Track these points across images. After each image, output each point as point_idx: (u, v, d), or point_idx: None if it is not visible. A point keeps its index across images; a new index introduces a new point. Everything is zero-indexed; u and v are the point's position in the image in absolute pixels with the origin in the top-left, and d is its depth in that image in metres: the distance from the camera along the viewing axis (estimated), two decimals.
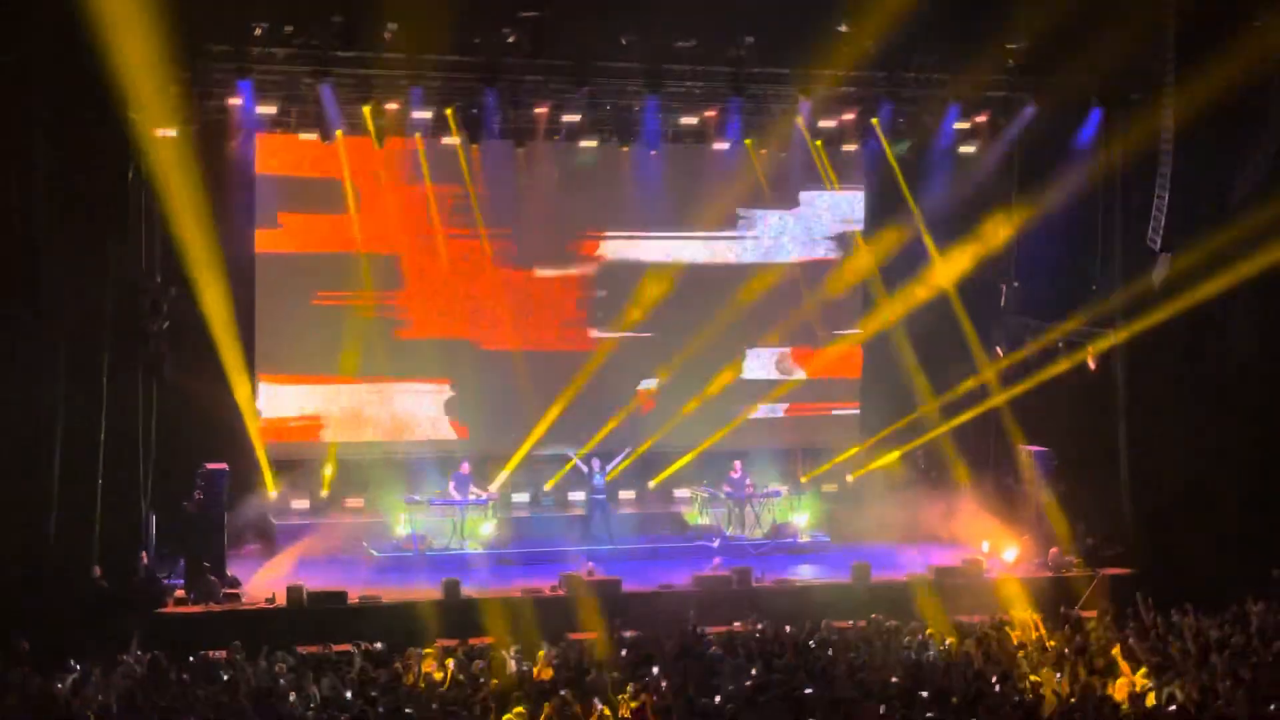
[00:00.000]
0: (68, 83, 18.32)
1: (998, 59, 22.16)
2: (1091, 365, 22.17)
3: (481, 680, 14.94)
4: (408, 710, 13.34)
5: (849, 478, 24.06)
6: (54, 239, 18.66)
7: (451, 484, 22.32)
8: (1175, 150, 20.65)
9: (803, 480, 23.99)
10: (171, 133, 19.95)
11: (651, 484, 23.90)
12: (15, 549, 18.34)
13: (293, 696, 14.27)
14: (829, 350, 24.83)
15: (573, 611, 18.91)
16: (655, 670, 15.00)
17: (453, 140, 22.18)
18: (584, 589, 19.53)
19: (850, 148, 23.70)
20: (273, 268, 22.58)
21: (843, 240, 24.79)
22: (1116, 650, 16.11)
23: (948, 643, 17.01)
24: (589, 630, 17.90)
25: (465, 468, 22.54)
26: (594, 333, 23.94)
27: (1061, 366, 22.56)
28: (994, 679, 14.97)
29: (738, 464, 23.43)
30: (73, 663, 15.77)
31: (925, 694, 14.16)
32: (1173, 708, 14.15)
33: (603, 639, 16.91)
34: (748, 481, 23.35)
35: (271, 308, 22.55)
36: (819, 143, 23.21)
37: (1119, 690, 14.80)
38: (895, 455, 23.80)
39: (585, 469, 22.86)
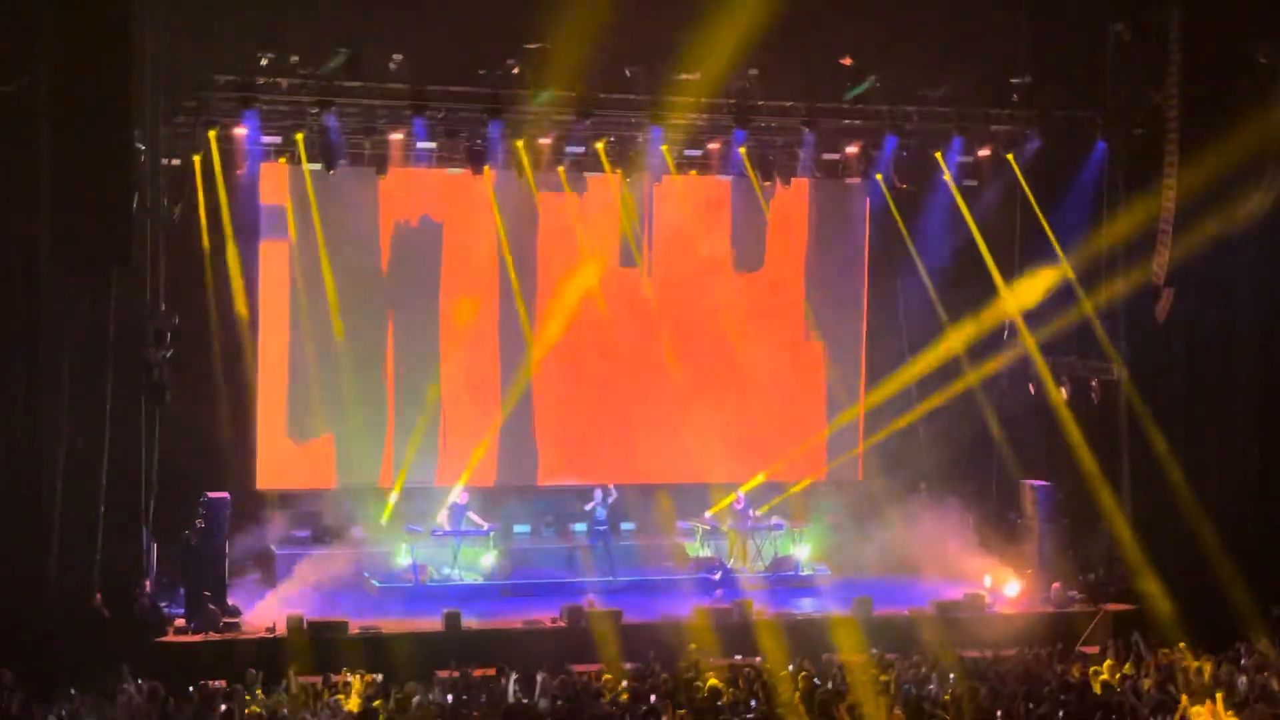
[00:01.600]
0: (73, 112, 18.34)
1: (1002, 92, 22.22)
2: (1094, 398, 22.13)
3: (482, 712, 14.88)
4: None
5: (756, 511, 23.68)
6: (58, 267, 18.68)
7: (446, 513, 22.26)
8: (1179, 183, 20.67)
9: (806, 513, 23.87)
10: (176, 162, 20.00)
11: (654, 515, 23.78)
12: (17, 577, 18.32)
13: None
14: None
15: (574, 643, 18.88)
16: (653, 701, 14.94)
17: (457, 170, 22.21)
18: (586, 620, 19.49)
19: (853, 180, 23.75)
20: (273, 297, 22.59)
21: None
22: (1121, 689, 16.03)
23: (950, 678, 16.92)
24: (590, 662, 17.84)
25: (463, 497, 22.51)
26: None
27: (1064, 400, 22.52)
28: (999, 715, 14.90)
29: (740, 495, 23.41)
30: (72, 690, 15.71)
31: None
32: None
33: (605, 670, 16.84)
34: (751, 513, 23.31)
35: (271, 336, 22.56)
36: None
37: None
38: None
39: (589, 505, 22.76)
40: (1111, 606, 21.19)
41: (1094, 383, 22.17)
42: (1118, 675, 16.65)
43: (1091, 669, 17.21)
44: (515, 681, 16.02)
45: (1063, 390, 22.61)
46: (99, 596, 18.85)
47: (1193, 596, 20.59)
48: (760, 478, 23.72)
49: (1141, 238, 21.53)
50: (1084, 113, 22.30)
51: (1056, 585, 21.76)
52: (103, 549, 19.03)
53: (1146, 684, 16.29)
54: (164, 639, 18.93)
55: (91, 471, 18.94)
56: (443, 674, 16.76)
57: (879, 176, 23.43)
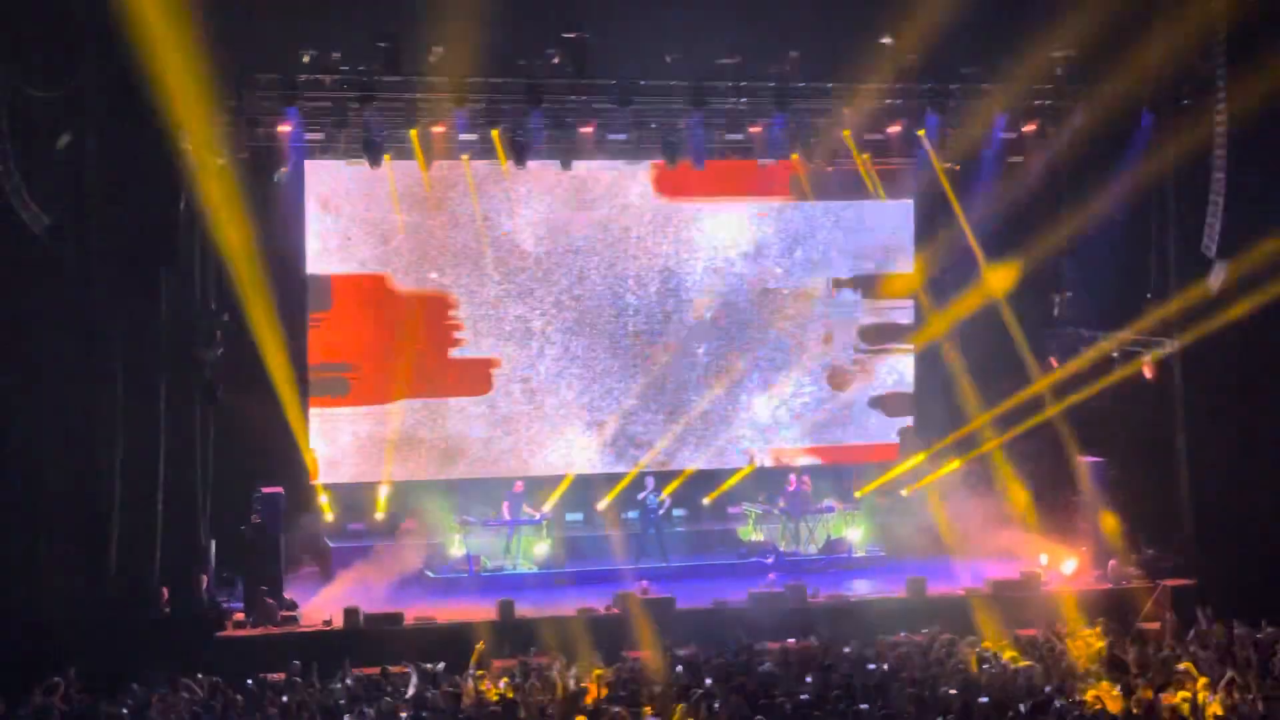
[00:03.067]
0: (118, 114, 18.58)
1: (1044, 67, 21.99)
2: (1149, 374, 21.92)
3: (536, 699, 14.95)
4: None
5: (904, 492, 23.90)
6: (107, 269, 18.91)
7: (505, 504, 22.38)
8: (1228, 154, 20.41)
9: (857, 495, 23.84)
10: (221, 161, 20.15)
11: (705, 500, 23.86)
12: (78, 576, 18.57)
13: (348, 718, 14.32)
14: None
15: (627, 630, 18.93)
16: (708, 684, 14.96)
17: (499, 162, 22.28)
18: (638, 607, 19.53)
19: (896, 160, 23.61)
20: (321, 291, 22.76)
21: (891, 253, 24.70)
22: (1179, 662, 15.90)
23: (1005, 656, 16.85)
24: (644, 649, 17.87)
25: (519, 487, 22.62)
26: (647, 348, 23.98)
27: (1118, 376, 22.33)
28: (1052, 692, 14.83)
29: (793, 476, 23.37)
30: (135, 686, 15.90)
31: (983, 705, 14.03)
32: None
33: (656, 657, 16.87)
34: (806, 491, 23.24)
35: (323, 330, 22.73)
36: (866, 156, 23.12)
37: (1180, 703, 14.59)
38: (952, 466, 23.57)
39: (640, 495, 22.82)
40: (1170, 582, 20.99)
41: (1148, 357, 21.95)
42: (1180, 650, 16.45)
43: (1152, 645, 17.10)
44: (568, 669, 16.10)
45: (1117, 366, 22.41)
46: (165, 592, 19.05)
47: (1252, 570, 20.38)
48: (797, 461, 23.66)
49: (1193, 209, 21.27)
50: (1129, 85, 22.02)
51: (1113, 562, 21.59)
52: (161, 546, 19.26)
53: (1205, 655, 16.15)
54: (223, 633, 19.13)
55: (148, 470, 19.19)
56: (499, 663, 16.86)
57: (927, 151, 23.21)
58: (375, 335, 23.04)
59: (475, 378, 23.42)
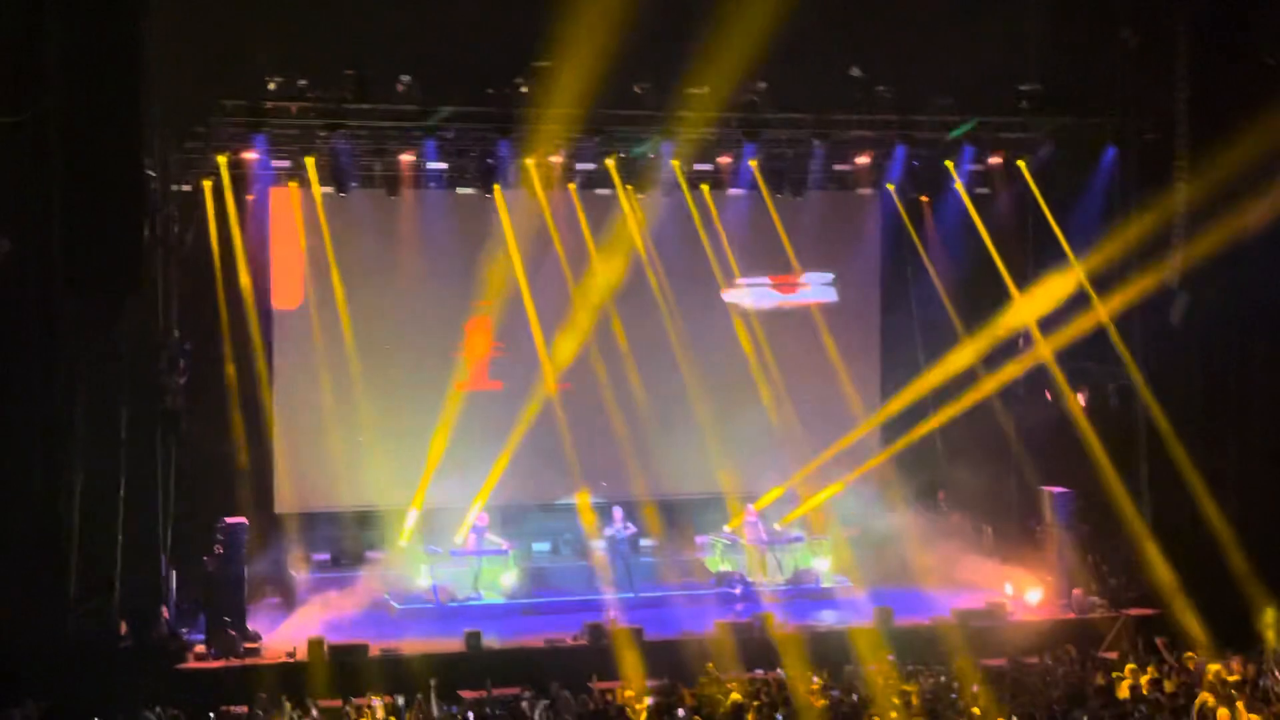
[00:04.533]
0: (83, 139, 18.41)
1: (1011, 100, 22.17)
2: (1110, 405, 22.07)
3: None
4: None
5: (776, 524, 23.57)
6: (71, 295, 18.73)
7: (470, 535, 22.27)
8: (1190, 188, 20.61)
9: (825, 526, 23.79)
10: (187, 187, 20.03)
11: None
12: (37, 606, 18.32)
13: None
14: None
15: (595, 660, 18.84)
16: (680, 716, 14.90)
17: (468, 190, 22.25)
18: (606, 638, 19.45)
19: (865, 191, 23.71)
20: (287, 320, 22.63)
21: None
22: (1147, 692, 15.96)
23: (973, 686, 16.85)
24: (612, 679, 17.78)
25: (483, 518, 22.50)
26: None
27: (1081, 406, 22.43)
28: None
29: (749, 507, 23.32)
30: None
31: None
32: None
33: (625, 689, 16.79)
34: (761, 526, 23.21)
35: (286, 360, 22.59)
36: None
37: None
38: (837, 487, 23.43)
39: (610, 530, 22.72)
40: (1133, 612, 21.07)
41: (1111, 388, 22.07)
42: (1143, 679, 16.56)
43: (1114, 674, 17.16)
44: (536, 701, 15.99)
45: (1080, 396, 22.52)
46: (124, 625, 18.83)
47: (1213, 600, 20.49)
48: (778, 491, 23.63)
49: (1155, 242, 21.45)
50: (1094, 118, 22.22)
51: (1077, 592, 21.66)
52: (121, 576, 19.03)
53: (1169, 687, 16.21)
54: (184, 665, 18.92)
55: (108, 499, 18.96)
56: (466, 694, 16.74)
57: (890, 186, 23.39)
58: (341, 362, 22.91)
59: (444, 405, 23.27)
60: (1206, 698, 15.19)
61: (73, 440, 18.69)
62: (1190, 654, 17.89)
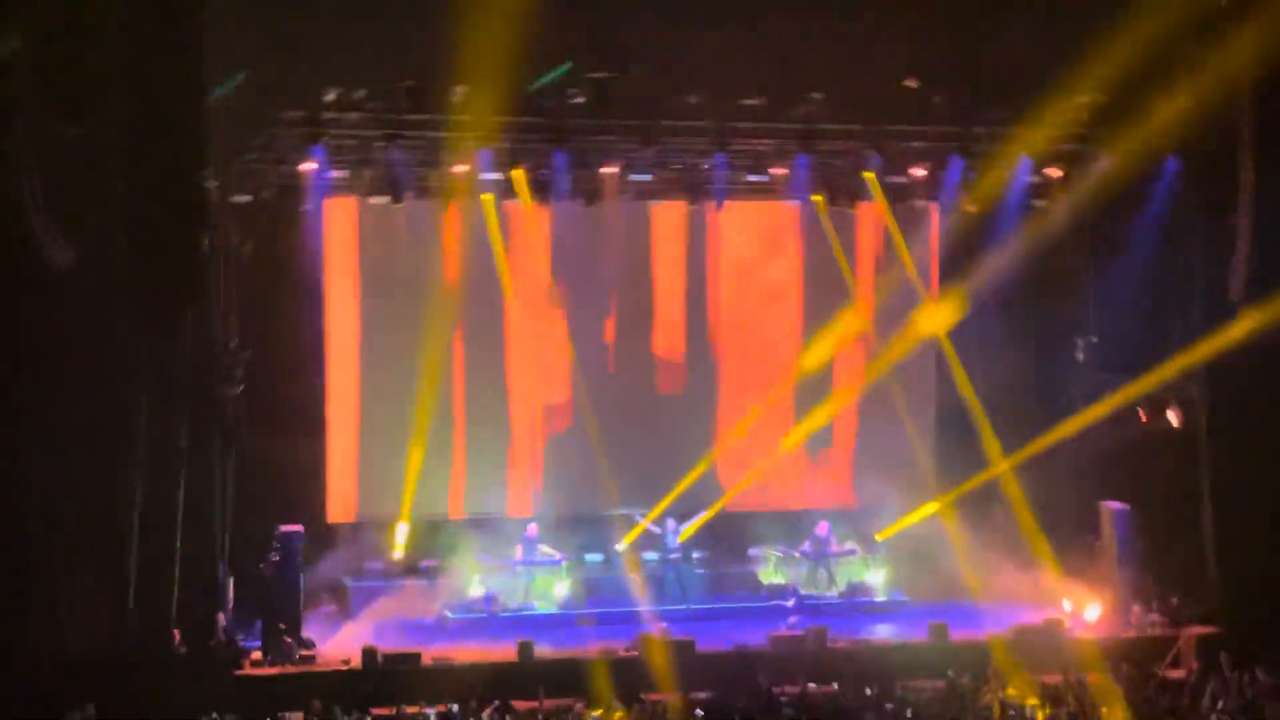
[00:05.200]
0: (144, 151, 18.61)
1: (1069, 112, 21.97)
2: (1175, 421, 21.80)
3: None
4: None
5: (876, 537, 23.56)
6: (132, 306, 18.93)
7: (519, 546, 22.30)
8: (1254, 201, 20.37)
9: (878, 539, 23.67)
10: (246, 198, 20.20)
11: (684, 532, 23.48)
12: (96, 614, 18.52)
13: None
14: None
15: (647, 672, 18.82)
16: None
17: (520, 202, 22.30)
18: (658, 650, 19.41)
19: (921, 203, 23.58)
20: (342, 330, 22.75)
21: (913, 295, 24.63)
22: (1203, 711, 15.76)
23: (1029, 703, 16.69)
24: (664, 691, 17.75)
25: (533, 529, 22.53)
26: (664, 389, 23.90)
27: (1143, 422, 22.20)
28: None
29: (824, 523, 23.22)
30: None
31: None
32: None
33: (676, 701, 16.74)
34: (831, 539, 23.13)
35: (342, 369, 22.72)
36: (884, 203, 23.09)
37: None
38: (933, 507, 23.25)
39: (659, 529, 22.78)
40: (1194, 629, 20.81)
41: (1172, 403, 21.82)
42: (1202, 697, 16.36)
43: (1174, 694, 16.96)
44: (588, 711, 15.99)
45: (1141, 411, 22.28)
46: (177, 634, 18.98)
47: (1275, 618, 20.21)
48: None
49: (1217, 256, 21.20)
50: (1155, 131, 21.97)
51: (1136, 609, 21.41)
52: (179, 584, 19.20)
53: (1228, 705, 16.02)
54: (241, 672, 19.05)
55: (167, 507, 19.14)
56: (519, 704, 16.76)
57: (948, 199, 23.19)
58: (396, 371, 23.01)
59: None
60: None
61: (133, 449, 18.87)
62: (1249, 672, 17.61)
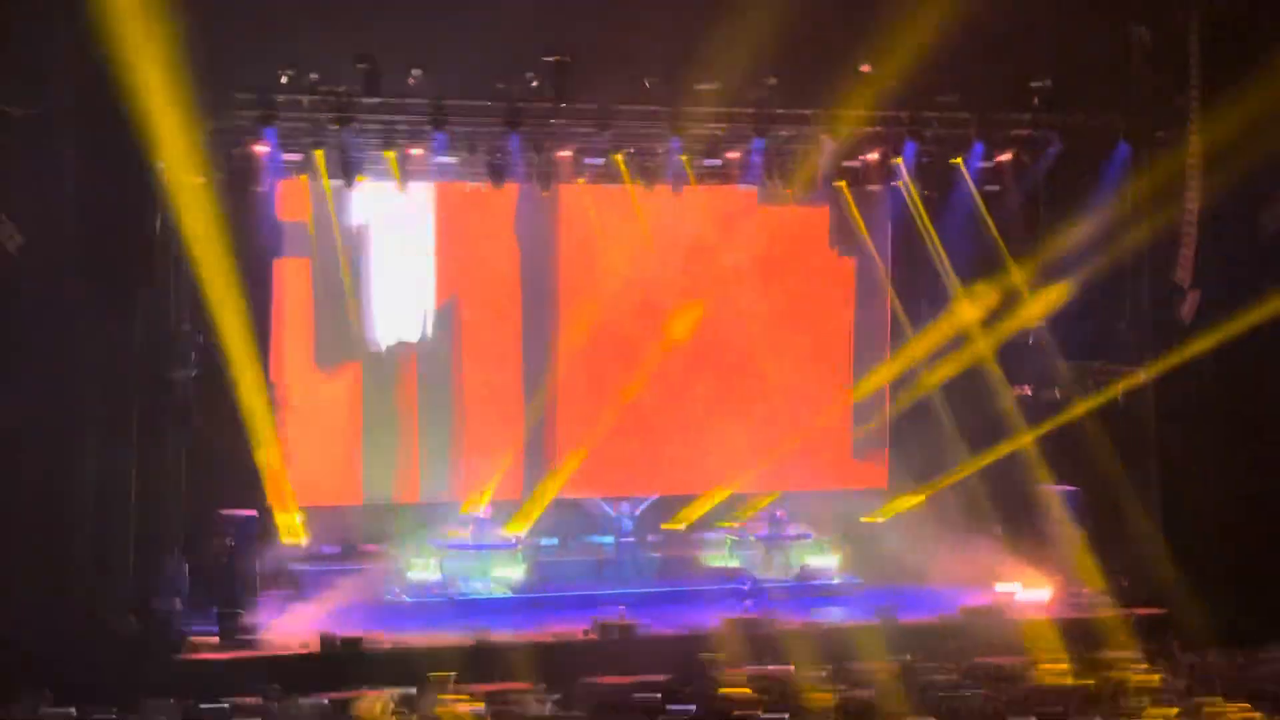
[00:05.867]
0: (95, 133, 18.47)
1: (1022, 97, 22.15)
2: (1119, 403, 22.04)
3: None
4: None
5: (863, 519, 23.84)
6: (81, 289, 18.79)
7: (472, 528, 22.30)
8: (1202, 186, 20.59)
9: (832, 523, 23.84)
10: (197, 180, 20.07)
11: (681, 526, 23.80)
12: (47, 599, 18.39)
13: None
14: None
15: (604, 655, 18.89)
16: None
17: (477, 184, 22.28)
18: (615, 632, 19.49)
19: (874, 188, 23.70)
20: (297, 314, 22.66)
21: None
22: (1148, 692, 15.96)
23: (979, 684, 16.87)
24: (621, 674, 17.82)
25: (488, 512, 22.54)
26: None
27: (1090, 404, 22.43)
28: None
29: (779, 510, 23.38)
30: (102, 714, 15.75)
31: None
32: None
33: (628, 683, 16.83)
34: (788, 525, 23.27)
35: (296, 353, 22.63)
36: (843, 183, 23.22)
37: None
38: (919, 498, 23.59)
39: (613, 512, 22.88)
40: (1141, 610, 21.06)
41: (1120, 386, 22.05)
42: (1154, 679, 16.58)
43: (1122, 674, 17.18)
44: (547, 694, 16.05)
45: (1089, 394, 22.50)
46: (130, 618, 18.90)
47: (1223, 600, 20.49)
48: (775, 495, 23.66)
49: (1166, 240, 21.43)
50: (1105, 116, 22.20)
51: (1085, 590, 21.65)
52: (132, 568, 19.10)
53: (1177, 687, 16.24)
54: (194, 656, 18.97)
55: (119, 491, 19.02)
56: (475, 687, 16.79)
57: (900, 183, 23.36)
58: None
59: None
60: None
61: (84, 432, 18.75)
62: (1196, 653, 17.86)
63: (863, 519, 23.79)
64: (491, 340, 23.50)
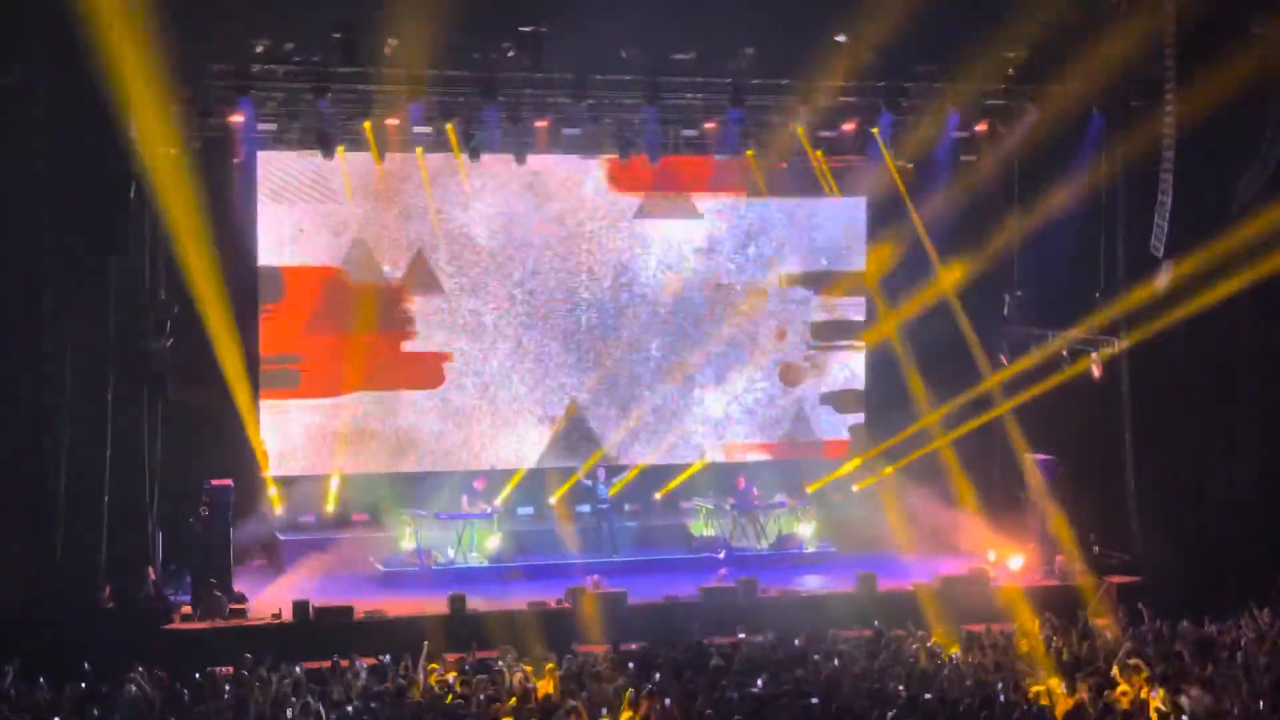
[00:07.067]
0: (69, 103, 18.41)
1: (997, 67, 22.16)
2: (1096, 372, 22.12)
3: (486, 694, 14.93)
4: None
5: (854, 488, 24.04)
6: (56, 258, 18.75)
7: (464, 498, 22.36)
8: (1176, 156, 20.64)
9: (808, 491, 23.95)
10: (173, 150, 20.01)
11: (657, 495, 23.93)
12: (23, 569, 18.42)
13: (291, 712, 14.25)
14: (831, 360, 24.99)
15: (578, 624, 18.97)
16: (657, 680, 15.00)
17: (453, 155, 22.25)
18: (590, 602, 19.57)
19: (850, 158, 23.72)
20: (274, 282, 22.65)
21: (843, 250, 24.84)
22: (1122, 658, 16.07)
23: (954, 652, 16.98)
24: (595, 643, 17.90)
25: (480, 483, 22.62)
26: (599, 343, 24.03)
27: (1066, 374, 22.53)
28: (1001, 687, 14.96)
29: (741, 478, 23.49)
30: (79, 681, 15.76)
31: (931, 701, 14.13)
32: (1184, 717, 14.12)
33: (605, 652, 16.90)
34: (755, 492, 23.40)
35: (273, 322, 22.63)
36: (819, 153, 23.25)
37: (1123, 699, 14.75)
38: (891, 469, 23.72)
39: (589, 481, 22.95)
40: (1115, 578, 21.20)
41: (1095, 355, 22.15)
42: (1124, 647, 16.69)
43: (1097, 640, 17.29)
44: (518, 663, 16.10)
45: (1065, 364, 22.60)
46: (106, 589, 18.91)
47: (1196, 568, 20.64)
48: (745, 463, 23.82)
49: (1141, 209, 21.48)
50: (1080, 86, 22.21)
51: (1060, 558, 21.79)
52: (108, 538, 19.12)
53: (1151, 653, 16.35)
54: (170, 626, 19.02)
55: (95, 462, 19.02)
56: (450, 657, 16.84)
57: (881, 149, 23.33)
58: (326, 327, 22.93)
59: (427, 371, 23.35)
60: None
61: (59, 402, 18.73)
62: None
63: (854, 487, 23.85)
64: (471, 310, 23.47)
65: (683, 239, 24.26)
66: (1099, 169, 22.31)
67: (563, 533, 22.76)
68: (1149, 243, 21.16)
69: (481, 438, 23.54)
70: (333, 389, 22.91)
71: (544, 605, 19.75)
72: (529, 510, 23.44)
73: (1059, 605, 19.82)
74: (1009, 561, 22.10)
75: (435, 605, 19.48)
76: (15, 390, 18.62)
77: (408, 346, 23.28)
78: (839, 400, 25.06)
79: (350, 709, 14.39)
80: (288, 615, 19.12)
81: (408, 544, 22.03)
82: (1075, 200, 22.33)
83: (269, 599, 19.99)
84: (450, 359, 23.41)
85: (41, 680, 15.59)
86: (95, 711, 14.46)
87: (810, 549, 23.08)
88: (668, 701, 14.16)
